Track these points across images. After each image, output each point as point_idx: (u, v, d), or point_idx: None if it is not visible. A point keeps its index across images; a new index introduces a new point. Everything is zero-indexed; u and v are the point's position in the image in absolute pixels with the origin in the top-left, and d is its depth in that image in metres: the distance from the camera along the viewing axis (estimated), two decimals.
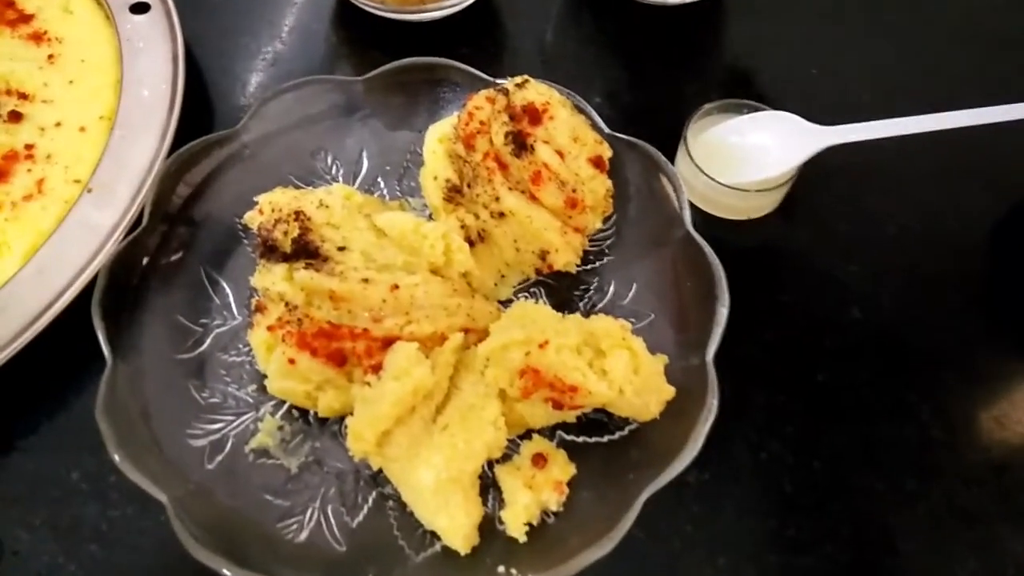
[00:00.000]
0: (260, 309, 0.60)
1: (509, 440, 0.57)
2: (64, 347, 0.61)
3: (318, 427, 0.60)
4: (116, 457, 0.51)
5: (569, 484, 0.56)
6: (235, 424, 0.59)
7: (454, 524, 0.52)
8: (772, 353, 0.67)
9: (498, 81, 0.68)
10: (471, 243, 0.63)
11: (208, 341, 0.62)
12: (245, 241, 0.66)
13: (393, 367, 0.54)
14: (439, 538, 0.53)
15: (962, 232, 0.74)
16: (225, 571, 0.48)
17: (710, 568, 0.58)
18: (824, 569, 0.58)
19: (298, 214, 0.61)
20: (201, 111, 0.78)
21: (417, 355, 0.54)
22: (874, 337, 0.68)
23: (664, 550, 0.58)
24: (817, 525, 0.60)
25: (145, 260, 0.61)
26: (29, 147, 0.69)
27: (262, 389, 0.60)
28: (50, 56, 0.74)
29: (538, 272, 0.66)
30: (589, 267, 0.67)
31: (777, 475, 0.61)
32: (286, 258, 0.60)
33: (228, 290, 0.65)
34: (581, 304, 0.66)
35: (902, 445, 0.63)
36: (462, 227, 0.63)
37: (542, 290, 0.67)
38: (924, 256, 0.72)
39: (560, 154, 0.63)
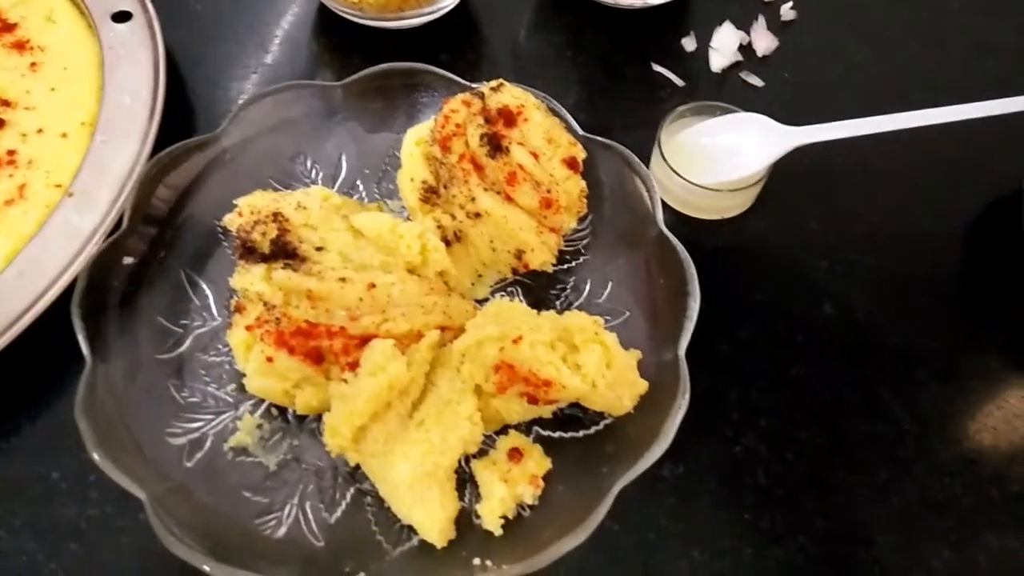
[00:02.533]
0: (239, 309, 0.61)
1: (485, 435, 0.57)
2: (45, 350, 0.61)
3: (296, 425, 0.60)
4: (95, 456, 0.52)
5: (544, 478, 0.56)
6: (214, 423, 0.59)
7: (430, 518, 0.53)
8: (746, 349, 0.68)
9: (474, 85, 0.69)
10: (447, 243, 0.64)
11: (188, 342, 0.63)
12: (224, 243, 0.67)
13: (369, 363, 0.55)
14: (416, 532, 0.54)
15: (934, 230, 0.76)
16: (204, 567, 0.49)
17: (685, 560, 0.58)
18: (798, 561, 0.59)
19: (276, 216, 0.62)
20: (183, 118, 0.79)
21: (393, 351, 0.55)
22: (846, 333, 0.69)
23: (639, 542, 0.59)
24: (791, 518, 0.61)
25: (125, 262, 0.62)
26: (11, 153, 0.69)
27: (241, 388, 0.60)
28: (33, 64, 0.75)
29: (514, 271, 0.67)
30: (565, 266, 0.68)
31: (751, 468, 0.62)
32: (264, 259, 0.61)
33: (208, 292, 0.65)
34: (557, 303, 0.67)
35: (875, 439, 0.64)
36: (438, 227, 0.64)
37: (519, 289, 0.68)
38: (896, 254, 0.74)
39: (535, 155, 0.64)
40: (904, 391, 0.66)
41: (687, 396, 0.55)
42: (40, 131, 0.71)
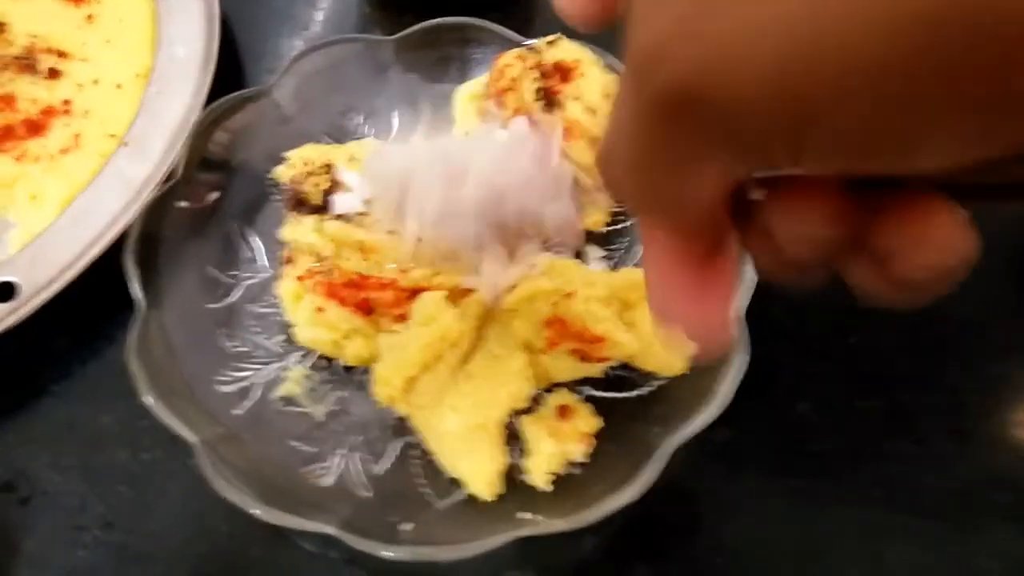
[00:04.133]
0: (289, 260, 0.61)
1: (534, 392, 0.57)
2: (96, 297, 0.62)
3: (344, 376, 0.60)
4: (147, 398, 0.52)
5: (594, 436, 0.56)
6: (263, 372, 0.60)
7: (478, 471, 0.52)
8: (802, 315, 0.66)
9: (527, 41, 0.68)
10: None
11: (237, 292, 0.63)
12: (274, 196, 0.66)
13: (420, 314, 0.54)
14: (463, 485, 0.53)
15: None
16: (254, 511, 0.49)
17: (735, 524, 0.57)
18: (852, 530, 0.57)
19: (328, 167, 0.62)
20: (233, 72, 0.79)
21: (444, 303, 0.55)
22: None
23: (688, 505, 0.58)
24: (846, 487, 0.59)
25: (177, 212, 0.62)
26: (67, 103, 0.70)
27: (289, 339, 0.60)
28: (89, 16, 0.76)
29: None
30: (617, 227, 0.66)
31: (805, 436, 0.61)
32: (316, 210, 0.61)
33: (257, 244, 0.65)
34: (609, 263, 0.65)
35: (935, 410, 0.62)
36: None
37: (569, 249, 0.66)
38: None
39: (591, 111, 0.63)
40: (965, 362, 0.64)
41: (744, 359, 0.53)
42: (95, 82, 0.72)
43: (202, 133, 0.64)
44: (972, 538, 0.57)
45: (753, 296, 0.56)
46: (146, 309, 0.56)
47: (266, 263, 0.64)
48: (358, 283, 0.57)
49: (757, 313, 0.56)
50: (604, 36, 0.80)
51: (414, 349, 0.52)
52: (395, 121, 0.71)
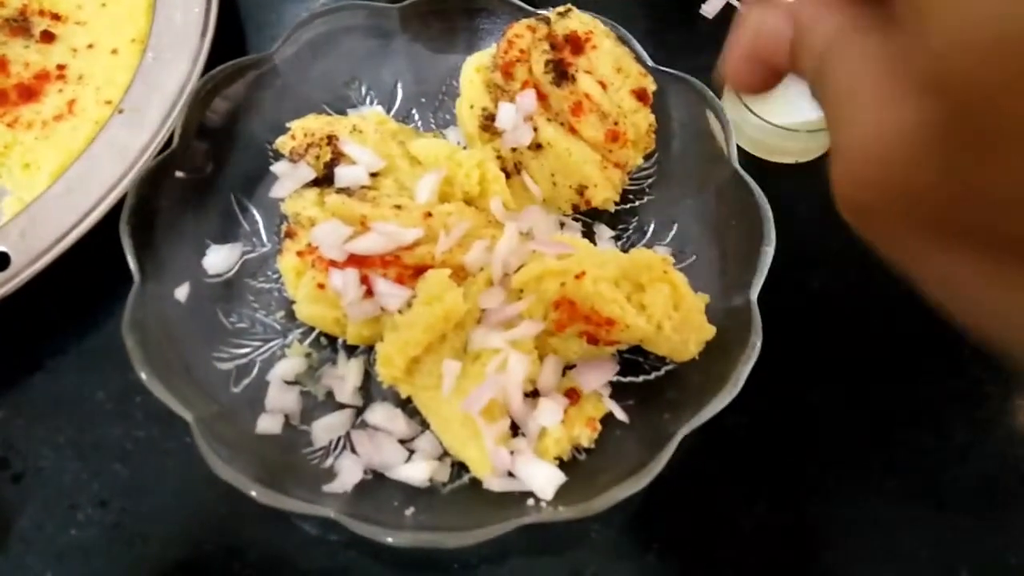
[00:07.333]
0: (290, 234, 0.59)
1: None
2: (92, 269, 0.60)
3: (346, 356, 0.58)
4: (142, 374, 0.50)
5: (602, 421, 0.54)
6: (262, 350, 0.58)
7: (483, 455, 0.50)
8: (817, 302, 0.64)
9: (539, 12, 0.65)
10: (507, 175, 0.61)
11: (236, 266, 0.61)
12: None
13: (425, 293, 0.52)
14: (467, 470, 0.52)
15: None
16: (251, 492, 0.47)
17: (746, 515, 0.56)
18: (867, 522, 0.56)
19: (331, 139, 0.60)
20: (233, 39, 0.76)
21: (449, 282, 0.53)
22: None
23: (699, 494, 0.56)
24: (861, 477, 0.57)
25: (174, 182, 0.60)
26: (61, 67, 0.68)
27: (290, 316, 0.59)
28: None
29: (575, 208, 0.64)
30: (628, 206, 0.64)
31: (819, 425, 0.59)
32: (317, 183, 0.59)
33: (258, 216, 0.63)
34: (619, 243, 0.63)
35: (953, 399, 0.61)
36: (498, 158, 0.61)
37: (579, 227, 0.64)
38: None
39: (602, 85, 0.60)
40: (984, 351, 0.62)
41: (759, 343, 0.52)
42: (90, 46, 0.69)
43: (200, 101, 0.61)
44: (994, 532, 0.56)
45: (767, 285, 0.54)
46: (142, 282, 0.54)
47: (266, 236, 0.62)
48: (361, 259, 0.55)
49: (769, 297, 0.54)
50: (615, 10, 0.78)
51: (419, 328, 0.51)
52: (399, 92, 0.69)
